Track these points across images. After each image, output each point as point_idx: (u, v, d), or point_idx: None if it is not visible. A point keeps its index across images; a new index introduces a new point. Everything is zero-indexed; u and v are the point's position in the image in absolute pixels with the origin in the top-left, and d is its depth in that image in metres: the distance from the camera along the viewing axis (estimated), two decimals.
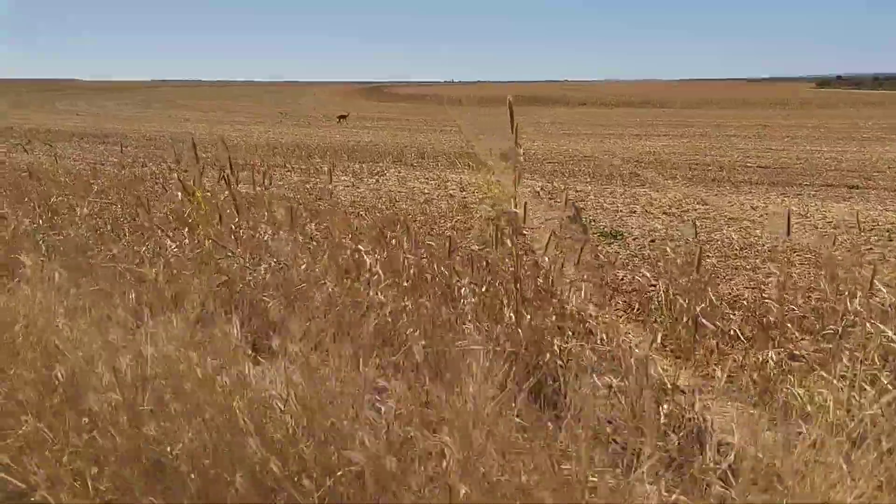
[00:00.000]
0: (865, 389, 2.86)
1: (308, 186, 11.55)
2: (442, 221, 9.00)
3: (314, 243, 5.03)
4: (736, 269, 6.88)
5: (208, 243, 4.41)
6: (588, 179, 13.38)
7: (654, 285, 5.55)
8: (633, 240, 8.29)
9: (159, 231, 4.98)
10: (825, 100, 58.25)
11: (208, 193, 4.99)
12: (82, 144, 19.61)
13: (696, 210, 10.04)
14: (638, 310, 5.43)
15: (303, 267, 4.21)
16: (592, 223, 9.14)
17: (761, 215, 9.73)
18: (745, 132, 26.43)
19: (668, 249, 5.63)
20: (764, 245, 8.02)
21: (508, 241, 3.77)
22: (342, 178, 13.15)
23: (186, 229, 4.98)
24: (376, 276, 4.34)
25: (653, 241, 8.19)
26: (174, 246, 4.79)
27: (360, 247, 4.22)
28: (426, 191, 11.72)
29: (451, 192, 11.67)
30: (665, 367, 4.13)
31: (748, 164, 15.24)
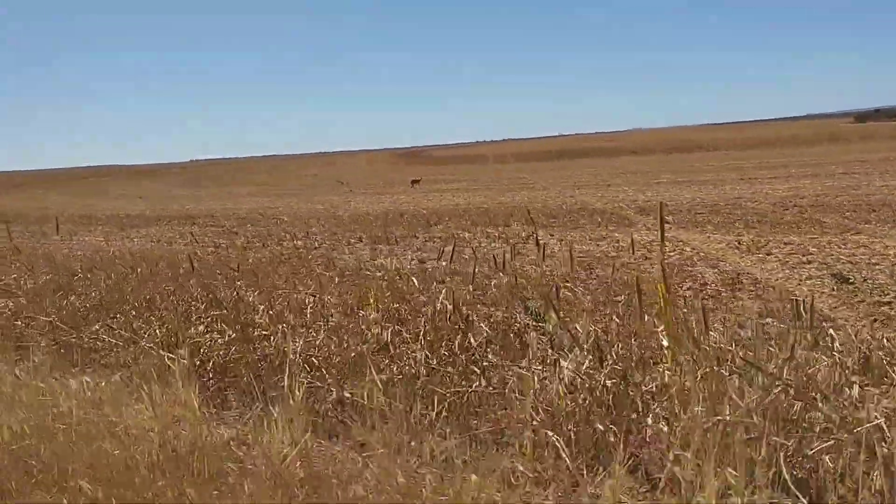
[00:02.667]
0: None
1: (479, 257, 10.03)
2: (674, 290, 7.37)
3: None
4: None
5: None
6: (768, 230, 11.68)
7: None
8: None
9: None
10: (886, 132, 56.20)
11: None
12: (174, 227, 18.56)
13: None
14: None
15: None
16: (867, 282, 7.43)
17: None
18: (852, 169, 24.63)
19: None
20: None
21: None
22: (493, 245, 11.64)
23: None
24: None
25: None
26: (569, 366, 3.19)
27: None
28: (610, 253, 10.14)
29: (638, 252, 10.06)
30: None
31: None
